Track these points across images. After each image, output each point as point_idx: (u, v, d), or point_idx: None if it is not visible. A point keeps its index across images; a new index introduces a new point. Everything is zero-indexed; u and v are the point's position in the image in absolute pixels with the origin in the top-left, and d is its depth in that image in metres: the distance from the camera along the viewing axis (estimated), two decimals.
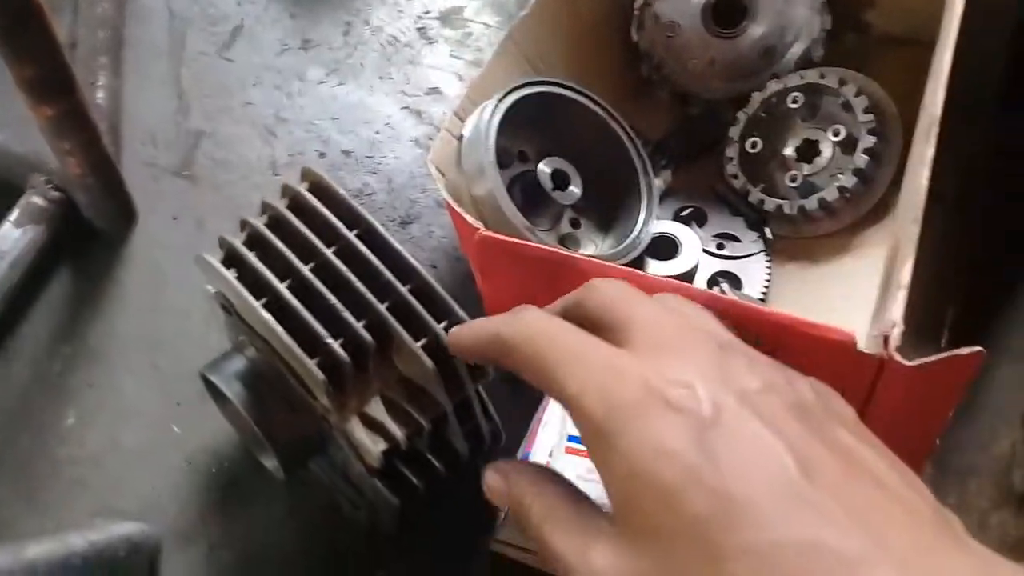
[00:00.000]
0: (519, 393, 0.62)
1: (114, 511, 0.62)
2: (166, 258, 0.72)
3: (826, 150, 0.72)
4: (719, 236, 0.73)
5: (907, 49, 0.76)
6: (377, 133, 0.80)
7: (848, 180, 0.69)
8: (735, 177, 0.74)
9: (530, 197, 0.67)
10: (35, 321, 0.68)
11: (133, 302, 0.70)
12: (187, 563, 0.61)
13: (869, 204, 0.71)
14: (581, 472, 0.51)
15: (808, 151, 0.73)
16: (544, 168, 0.67)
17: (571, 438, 0.53)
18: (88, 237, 0.72)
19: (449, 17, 0.87)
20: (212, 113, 0.80)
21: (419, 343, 0.50)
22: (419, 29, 0.87)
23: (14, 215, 0.67)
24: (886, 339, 0.48)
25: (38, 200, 0.68)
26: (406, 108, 0.82)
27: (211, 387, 0.55)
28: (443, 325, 0.51)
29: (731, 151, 0.75)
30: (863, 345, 0.49)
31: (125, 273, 0.71)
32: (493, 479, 0.39)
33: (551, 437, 0.54)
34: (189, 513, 0.63)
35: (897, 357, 0.47)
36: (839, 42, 0.78)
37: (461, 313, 0.52)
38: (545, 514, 0.36)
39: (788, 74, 0.75)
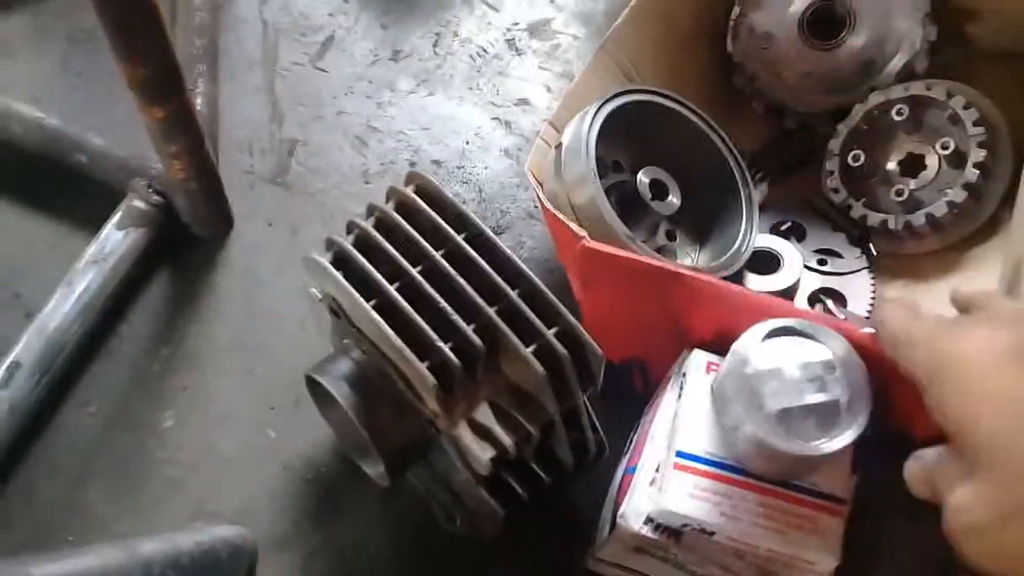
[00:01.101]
0: (620, 407, 0.61)
1: (210, 514, 0.62)
2: (261, 264, 0.72)
3: (932, 164, 0.70)
4: (820, 251, 0.71)
5: (1013, 62, 0.74)
6: (467, 143, 0.80)
7: (957, 195, 0.67)
8: (836, 191, 0.72)
9: (626, 207, 0.66)
10: (135, 322, 0.69)
11: (229, 307, 0.70)
12: (283, 569, 0.60)
13: (979, 220, 0.69)
14: (690, 489, 0.50)
15: (912, 165, 0.71)
16: (643, 177, 0.66)
17: (680, 454, 0.51)
18: (186, 242, 0.72)
19: (537, 29, 0.87)
20: (306, 122, 0.80)
21: (529, 348, 0.50)
22: (508, 41, 0.86)
23: (116, 217, 0.68)
24: None
25: (139, 204, 0.69)
26: (496, 119, 0.82)
27: (315, 389, 0.55)
28: (554, 331, 0.50)
29: (831, 164, 0.73)
30: None
31: (221, 278, 0.72)
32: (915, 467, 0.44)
33: (658, 451, 0.53)
34: (284, 520, 0.62)
35: None
36: (940, 55, 0.76)
37: (571, 318, 0.51)
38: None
39: (889, 86, 0.73)
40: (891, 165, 0.72)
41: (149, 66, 0.56)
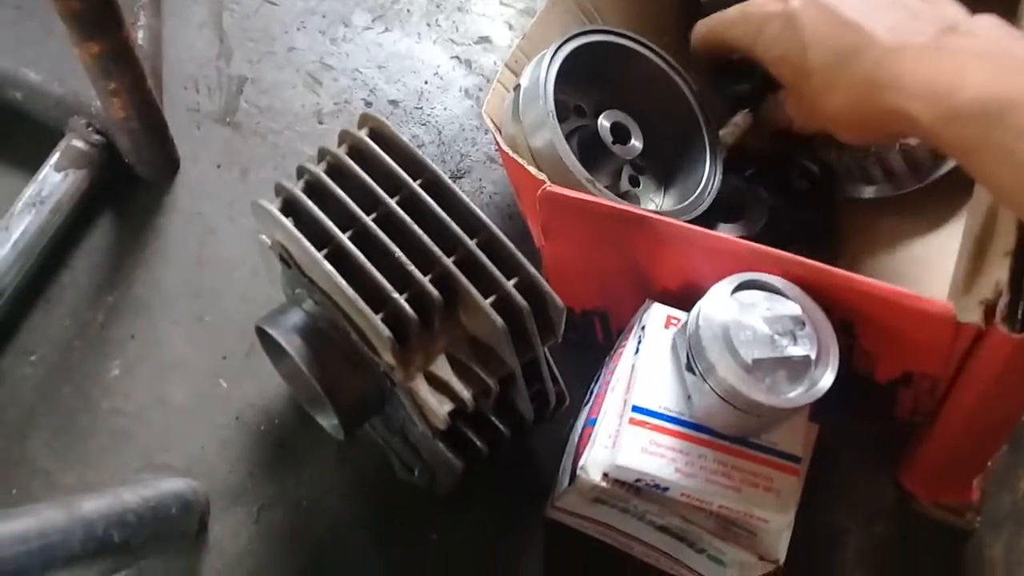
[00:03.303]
0: (580, 356, 0.60)
1: (160, 466, 0.60)
2: (210, 208, 0.70)
3: None
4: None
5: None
6: (425, 83, 0.77)
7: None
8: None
9: (588, 152, 0.64)
10: (76, 269, 0.66)
11: (177, 252, 0.68)
12: (236, 522, 0.59)
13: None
14: (645, 444, 0.49)
15: None
16: (603, 121, 0.64)
17: (636, 408, 0.50)
18: (130, 184, 0.69)
19: None
20: (255, 58, 0.77)
21: (488, 300, 0.48)
22: None
23: (54, 158, 0.65)
24: (990, 309, 0.46)
25: (79, 144, 0.66)
26: (455, 58, 0.79)
27: (267, 340, 0.53)
28: (513, 282, 0.49)
29: None
30: (962, 316, 0.47)
31: (168, 222, 0.69)
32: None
33: (616, 403, 0.52)
34: (237, 471, 0.61)
35: (1002, 328, 0.45)
36: None
37: (531, 269, 0.49)
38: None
39: None
40: None
41: None
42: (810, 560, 0.61)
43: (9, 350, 0.63)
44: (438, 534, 0.60)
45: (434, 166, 0.51)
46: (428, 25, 0.80)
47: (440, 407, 0.48)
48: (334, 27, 0.79)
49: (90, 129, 0.66)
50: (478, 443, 0.52)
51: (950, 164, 0.67)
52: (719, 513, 0.50)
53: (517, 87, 0.62)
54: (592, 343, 0.64)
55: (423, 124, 0.75)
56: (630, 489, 0.50)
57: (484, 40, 0.80)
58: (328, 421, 0.55)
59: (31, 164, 0.66)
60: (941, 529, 0.61)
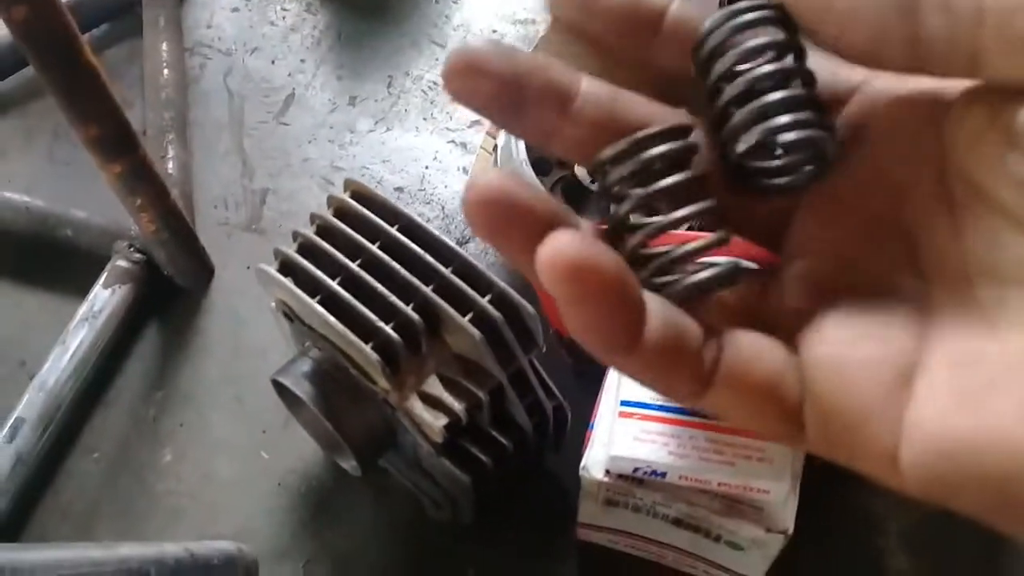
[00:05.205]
0: (585, 380, 0.63)
1: (212, 537, 0.65)
2: (242, 304, 0.77)
3: None
4: None
5: None
6: (426, 168, 0.84)
7: None
8: None
9: (572, 198, 0.69)
10: (129, 372, 0.73)
11: (216, 346, 0.75)
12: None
13: None
14: (636, 434, 0.52)
15: None
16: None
17: (624, 403, 0.53)
18: (171, 293, 0.77)
19: None
20: (274, 172, 0.85)
21: (466, 317, 0.52)
22: None
23: (103, 278, 0.73)
24: None
25: (123, 263, 0.74)
26: (451, 142, 0.86)
27: (284, 393, 0.58)
28: (487, 298, 0.53)
29: None
30: None
31: (207, 321, 0.76)
32: None
33: (609, 403, 0.55)
34: (282, 533, 0.65)
35: None
36: None
37: (504, 285, 0.54)
38: None
39: None
40: None
41: (100, 125, 0.61)
42: (851, 544, 0.61)
43: (75, 449, 0.70)
44: (475, 568, 0.63)
45: (409, 211, 0.56)
46: (424, 119, 0.88)
47: (435, 421, 0.52)
48: (341, 135, 0.87)
49: (131, 249, 0.75)
50: (482, 457, 0.55)
51: None
52: (720, 492, 0.51)
53: (494, 147, 0.68)
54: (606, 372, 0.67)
55: (427, 203, 0.82)
56: (632, 481, 0.53)
57: (476, 123, 0.87)
58: (348, 462, 0.60)
59: (86, 287, 0.74)
60: None
